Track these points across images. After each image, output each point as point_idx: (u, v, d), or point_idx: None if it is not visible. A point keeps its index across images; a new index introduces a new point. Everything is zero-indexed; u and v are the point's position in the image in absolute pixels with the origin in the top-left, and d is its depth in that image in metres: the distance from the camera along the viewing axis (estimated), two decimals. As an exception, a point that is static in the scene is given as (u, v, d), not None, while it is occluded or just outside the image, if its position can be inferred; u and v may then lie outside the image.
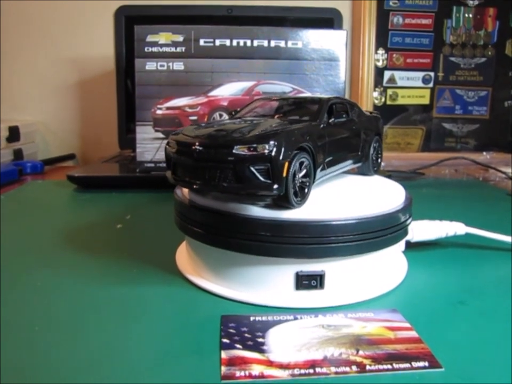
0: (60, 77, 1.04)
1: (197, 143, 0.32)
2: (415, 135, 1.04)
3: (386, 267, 0.36)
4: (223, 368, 0.25)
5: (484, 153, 0.98)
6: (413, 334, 0.29)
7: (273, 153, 0.29)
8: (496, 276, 0.39)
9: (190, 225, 0.36)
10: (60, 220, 0.54)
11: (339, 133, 0.37)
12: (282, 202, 0.31)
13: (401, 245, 0.40)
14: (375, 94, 1.02)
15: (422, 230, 0.42)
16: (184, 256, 0.40)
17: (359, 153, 0.41)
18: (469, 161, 0.88)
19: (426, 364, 0.26)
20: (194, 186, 0.32)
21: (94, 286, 0.36)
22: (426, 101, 1.03)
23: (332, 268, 0.32)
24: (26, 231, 0.50)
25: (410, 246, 0.42)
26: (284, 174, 0.30)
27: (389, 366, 0.25)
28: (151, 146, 0.70)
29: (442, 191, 0.74)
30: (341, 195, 0.36)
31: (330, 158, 0.36)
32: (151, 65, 0.68)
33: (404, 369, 0.25)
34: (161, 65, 0.68)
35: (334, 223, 0.31)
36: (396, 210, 0.35)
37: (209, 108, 0.70)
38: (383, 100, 1.03)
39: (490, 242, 0.43)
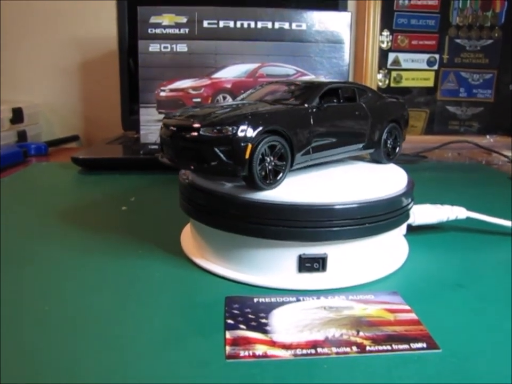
0: (63, 58, 1.03)
1: (173, 124, 0.34)
2: (418, 118, 1.04)
3: (387, 250, 0.37)
4: (228, 348, 0.26)
5: (488, 136, 0.98)
6: (412, 316, 0.30)
7: (235, 136, 0.31)
8: (496, 260, 0.39)
9: (195, 208, 0.36)
10: (65, 202, 0.54)
11: (335, 117, 0.37)
12: (249, 183, 0.33)
13: (402, 228, 0.40)
14: (379, 76, 1.02)
15: (424, 214, 0.42)
16: (189, 238, 0.41)
17: (366, 139, 0.40)
18: (472, 144, 0.88)
19: (425, 345, 0.26)
20: (172, 164, 0.35)
21: (99, 268, 0.37)
22: (430, 83, 1.03)
23: (334, 251, 0.33)
24: (31, 213, 0.50)
25: (411, 229, 0.43)
26: (247, 156, 0.31)
27: (388, 347, 0.26)
28: (155, 128, 0.71)
29: (444, 174, 0.74)
30: (344, 180, 0.36)
31: (320, 143, 0.36)
32: (154, 47, 0.68)
33: (403, 350, 0.26)
34: (164, 47, 0.68)
35: (337, 207, 0.32)
36: (397, 195, 0.35)
37: (213, 90, 0.70)
38: (387, 82, 1.02)
39: (491, 226, 0.44)
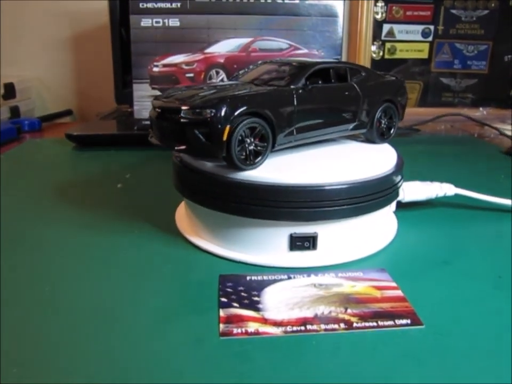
0: (53, 31, 1.01)
1: (158, 106, 0.35)
2: (412, 90, 1.03)
3: (377, 228, 0.38)
4: (222, 326, 0.27)
5: (481, 108, 0.99)
6: (399, 293, 0.31)
7: (213, 118, 0.32)
8: (481, 235, 0.41)
9: (187, 188, 0.37)
10: (61, 180, 0.55)
11: (321, 98, 0.37)
12: (229, 164, 0.34)
13: (392, 206, 0.41)
14: (373, 48, 1.01)
15: (413, 191, 0.43)
16: (183, 216, 0.42)
17: (356, 120, 0.40)
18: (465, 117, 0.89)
19: (409, 321, 0.28)
20: (158, 143, 0.36)
21: (95, 247, 0.38)
22: (425, 55, 1.02)
23: (324, 230, 0.34)
24: (26, 192, 0.51)
25: (401, 205, 0.44)
26: (224, 138, 0.32)
27: (374, 324, 0.28)
28: (148, 103, 0.70)
29: (436, 147, 0.75)
30: (334, 160, 0.37)
31: (304, 123, 0.36)
32: (146, 22, 0.67)
33: (388, 326, 0.27)
34: (156, 22, 0.67)
35: (327, 187, 0.33)
36: (387, 174, 0.36)
37: (206, 64, 0.70)
38: (381, 53, 1.02)
39: (478, 202, 0.45)
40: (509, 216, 0.44)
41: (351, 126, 0.40)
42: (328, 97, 0.38)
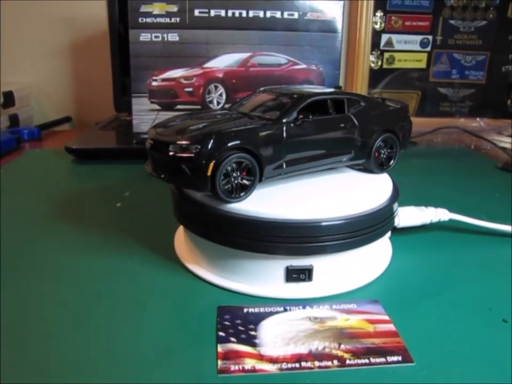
0: (52, 37, 1.02)
1: (151, 138, 0.37)
2: (410, 100, 1.04)
3: (371, 258, 0.38)
4: (220, 362, 0.28)
5: (478, 119, 0.99)
6: (391, 327, 0.32)
7: (198, 154, 0.33)
8: (474, 263, 0.41)
9: (186, 218, 0.38)
10: (59, 197, 0.56)
11: (314, 131, 0.37)
12: (215, 196, 0.35)
13: (387, 233, 0.42)
14: (372, 58, 1.02)
15: (408, 216, 0.44)
16: (182, 241, 0.42)
17: (353, 151, 0.40)
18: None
19: (400, 358, 0.29)
20: (152, 173, 0.37)
21: (92, 270, 0.38)
22: (423, 65, 1.03)
23: (320, 262, 0.35)
24: (24, 209, 0.52)
25: (396, 230, 0.44)
26: (209, 173, 0.33)
27: (367, 361, 0.28)
28: (147, 117, 0.71)
29: (431, 162, 0.75)
30: (330, 193, 0.38)
31: (295, 157, 0.37)
32: (145, 37, 0.68)
33: (380, 363, 0.28)
34: (155, 36, 0.68)
35: (323, 223, 0.33)
36: (383, 206, 0.37)
37: (204, 79, 0.70)
38: (379, 63, 1.02)
39: (472, 226, 0.46)
40: (502, 240, 0.45)
41: (347, 157, 0.41)
42: (321, 130, 0.38)
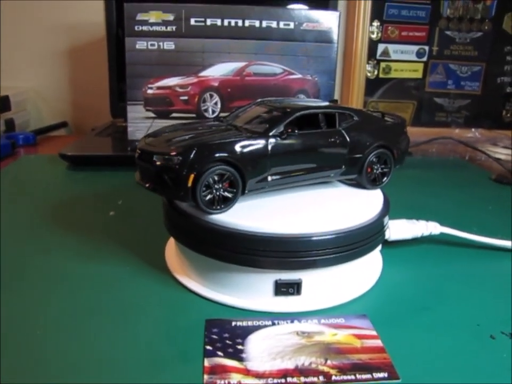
0: (50, 43, 1.02)
1: (139, 147, 0.38)
2: (406, 109, 1.05)
3: (362, 272, 0.38)
4: (206, 377, 0.28)
5: (473, 129, 1.00)
6: (378, 343, 0.32)
7: (180, 166, 0.33)
8: (463, 276, 0.41)
9: (176, 230, 0.38)
10: (53, 204, 0.56)
11: (301, 145, 0.37)
12: (197, 207, 0.35)
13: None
14: (368, 67, 1.02)
15: (399, 230, 0.44)
16: (173, 252, 0.42)
17: (343, 166, 0.40)
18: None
19: (386, 375, 0.29)
20: (139, 182, 0.38)
21: (83, 279, 0.38)
22: (419, 75, 1.03)
23: (309, 277, 0.35)
24: (17, 216, 0.52)
25: (386, 243, 0.44)
26: (189, 185, 0.34)
27: (353, 377, 0.28)
28: (142, 125, 0.71)
29: (425, 173, 0.76)
30: (320, 206, 0.38)
31: (280, 170, 0.37)
32: (141, 44, 0.68)
33: (365, 380, 0.28)
34: (151, 45, 0.68)
35: (313, 238, 0.33)
36: (374, 220, 0.37)
37: (200, 88, 0.70)
38: (376, 73, 1.03)
39: (464, 240, 0.46)
40: (492, 254, 0.45)
41: (336, 172, 0.40)
42: (309, 144, 0.38)
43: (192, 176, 0.34)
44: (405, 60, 1.02)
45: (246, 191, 0.36)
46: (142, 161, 0.37)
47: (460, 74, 1.03)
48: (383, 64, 1.02)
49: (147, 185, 0.36)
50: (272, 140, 0.36)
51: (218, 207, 0.35)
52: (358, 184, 0.43)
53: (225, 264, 0.35)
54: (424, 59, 1.02)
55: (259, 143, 0.36)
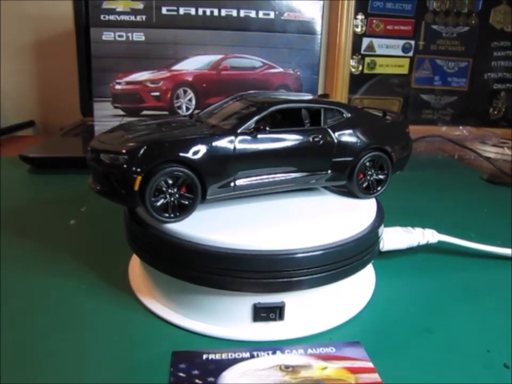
0: (14, 36, 0.95)
1: (89, 146, 0.33)
2: (391, 107, 1.01)
3: (353, 290, 0.34)
4: (167, 431, 0.23)
5: (461, 127, 0.96)
6: (376, 378, 0.27)
7: (126, 166, 0.29)
8: (466, 290, 0.37)
9: (139, 247, 0.32)
10: (7, 210, 0.50)
11: (274, 145, 0.32)
12: (150, 215, 0.30)
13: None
14: (352, 62, 0.98)
15: (393, 239, 0.39)
16: (137, 270, 0.37)
17: (328, 170, 0.35)
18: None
19: (388, 422, 0.24)
20: (90, 185, 0.33)
21: (33, 297, 0.33)
22: (405, 70, 0.99)
23: (292, 299, 0.30)
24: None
25: (379, 254, 0.40)
26: (136, 188, 0.29)
27: (348, 426, 0.24)
28: (110, 123, 0.65)
29: (415, 174, 0.71)
30: (304, 217, 0.32)
31: (248, 174, 0.32)
32: (108, 35, 0.62)
33: (363, 429, 0.23)
34: (119, 36, 0.62)
35: (297, 255, 0.28)
36: (367, 232, 0.32)
37: (173, 83, 0.65)
38: (360, 68, 0.98)
39: (463, 248, 0.42)
40: (495, 263, 0.41)
41: (320, 177, 0.35)
42: (285, 144, 0.32)
43: (139, 178, 0.29)
44: (391, 55, 0.98)
45: (208, 197, 0.31)
46: (92, 161, 0.31)
47: (447, 70, 1.00)
48: (368, 59, 0.98)
49: (97, 188, 0.31)
50: (240, 138, 0.31)
51: (173, 215, 0.30)
52: (349, 193, 0.37)
53: (195, 286, 0.30)
54: (410, 54, 0.98)
55: (223, 142, 0.30)
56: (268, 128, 0.32)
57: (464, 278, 0.39)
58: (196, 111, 0.39)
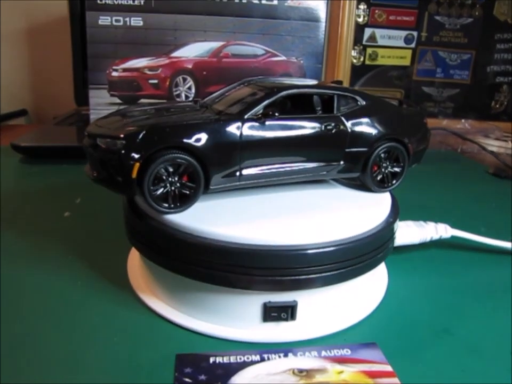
0: (6, 21, 0.92)
1: (86, 131, 0.31)
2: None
3: (366, 290, 0.32)
4: None
5: (463, 120, 0.95)
6: (395, 382, 0.25)
7: (123, 151, 0.27)
8: (485, 287, 0.35)
9: (140, 242, 0.30)
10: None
11: (283, 133, 0.30)
12: (148, 205, 0.28)
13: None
14: (354, 53, 0.96)
15: (405, 234, 0.38)
16: (136, 266, 0.35)
17: (340, 161, 0.32)
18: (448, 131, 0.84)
19: (412, 432, 0.22)
20: (86, 172, 0.31)
21: (26, 296, 0.31)
22: (407, 62, 0.97)
23: (305, 298, 0.28)
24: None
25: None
26: (133, 176, 0.27)
27: None
28: (107, 112, 0.63)
29: (420, 167, 0.70)
30: (317, 211, 0.30)
31: (254, 163, 0.30)
32: (104, 20, 0.60)
33: None
34: (116, 20, 0.60)
35: (310, 251, 0.26)
36: (382, 227, 0.30)
37: (172, 70, 0.62)
38: (362, 59, 0.96)
39: (478, 244, 0.40)
40: (509, 259, 0.39)
41: (331, 169, 0.33)
42: (296, 132, 0.30)
43: (137, 164, 0.27)
44: (393, 46, 0.96)
45: (211, 187, 0.29)
46: (88, 146, 0.29)
47: (449, 62, 0.98)
48: (369, 50, 0.95)
49: (94, 174, 0.29)
50: (247, 124, 0.29)
51: (173, 205, 0.28)
52: (362, 186, 0.35)
53: (200, 283, 0.28)
54: (413, 45, 0.96)
55: (229, 128, 0.28)
56: (277, 114, 0.29)
57: (481, 275, 0.38)
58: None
